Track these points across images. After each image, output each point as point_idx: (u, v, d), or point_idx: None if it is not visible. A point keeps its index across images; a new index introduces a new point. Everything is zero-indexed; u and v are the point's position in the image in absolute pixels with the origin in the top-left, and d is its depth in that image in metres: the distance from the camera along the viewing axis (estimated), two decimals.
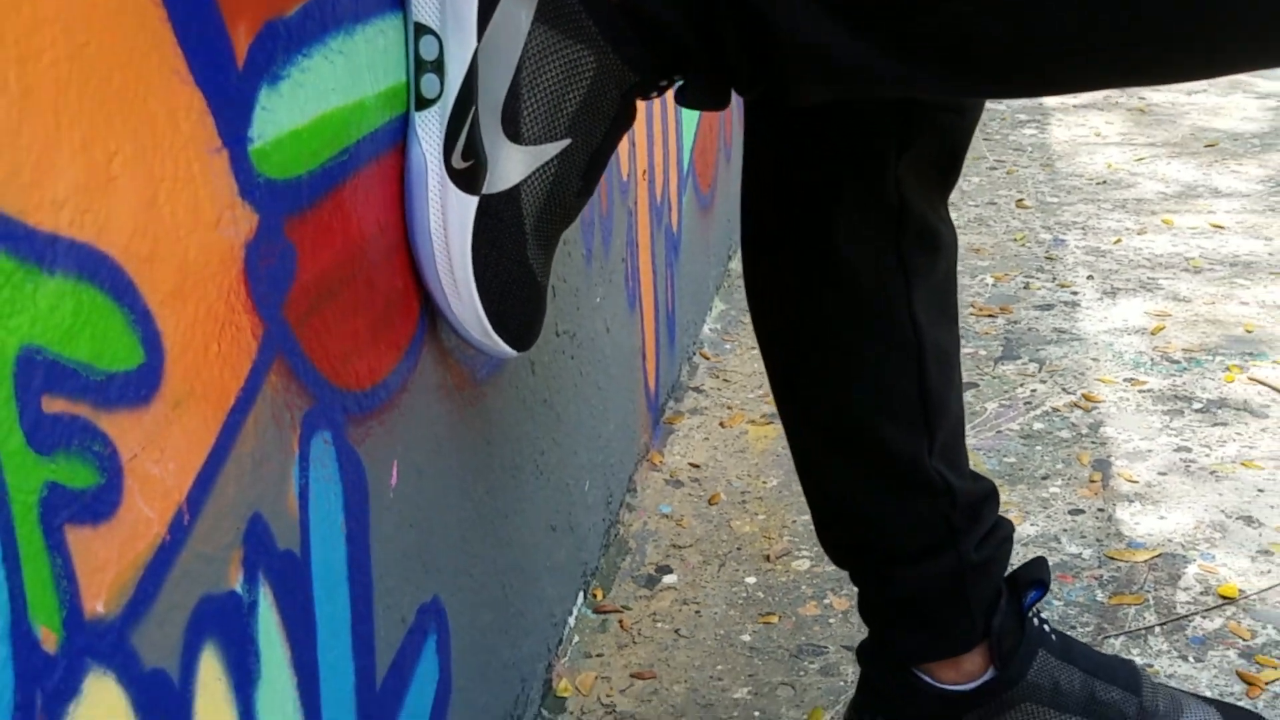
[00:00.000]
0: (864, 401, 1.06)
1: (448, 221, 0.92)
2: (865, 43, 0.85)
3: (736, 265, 2.55)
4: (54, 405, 0.55)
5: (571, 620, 1.41)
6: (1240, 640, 1.35)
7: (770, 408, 1.94)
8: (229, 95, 0.69)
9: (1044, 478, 1.70)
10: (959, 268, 2.40)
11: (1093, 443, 1.79)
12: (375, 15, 0.86)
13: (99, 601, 0.58)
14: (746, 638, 1.41)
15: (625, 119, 0.95)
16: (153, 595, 0.63)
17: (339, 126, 0.81)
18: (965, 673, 1.12)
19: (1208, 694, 1.27)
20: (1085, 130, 3.40)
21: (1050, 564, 1.49)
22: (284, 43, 0.75)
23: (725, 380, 2.05)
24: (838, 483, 1.10)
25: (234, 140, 0.70)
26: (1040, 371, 2.02)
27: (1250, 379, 1.97)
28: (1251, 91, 3.72)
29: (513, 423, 1.19)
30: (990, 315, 2.25)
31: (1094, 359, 2.06)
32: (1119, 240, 2.59)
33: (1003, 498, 1.64)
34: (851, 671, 1.31)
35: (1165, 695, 1.15)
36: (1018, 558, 1.51)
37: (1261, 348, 2.08)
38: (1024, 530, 1.58)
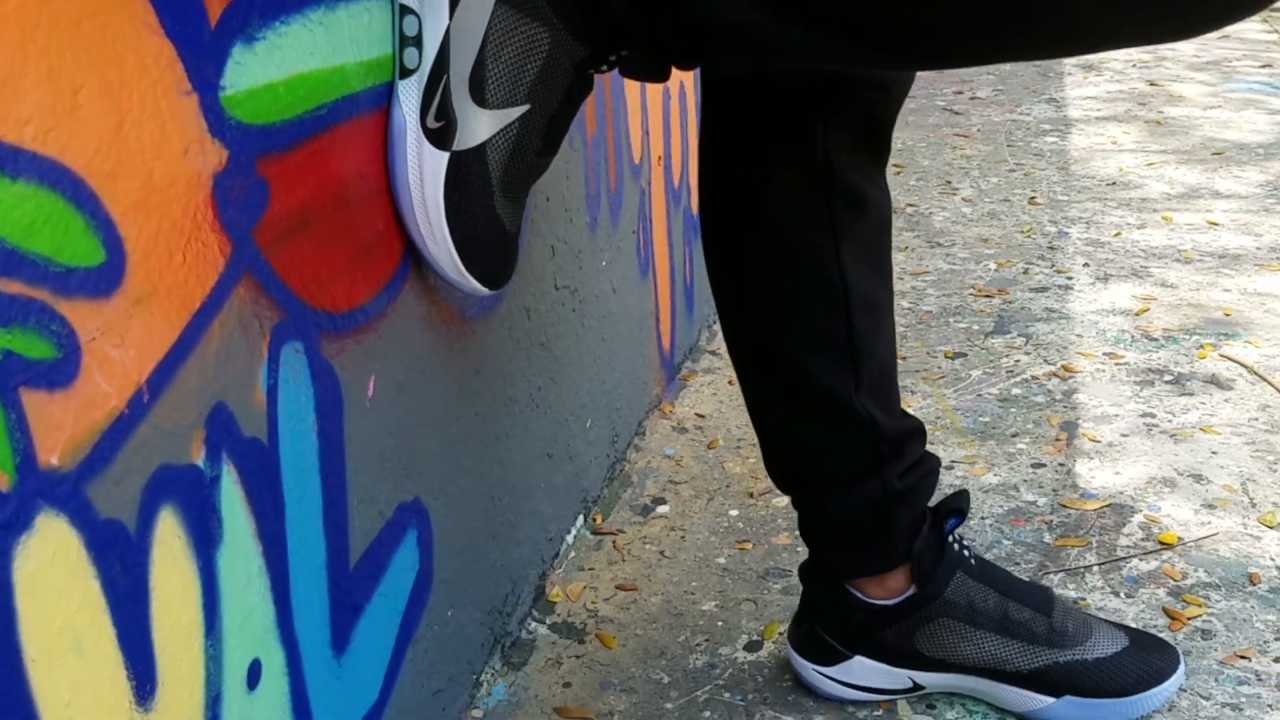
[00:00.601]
0: (797, 342, 1.07)
1: (423, 174, 0.95)
2: (777, 19, 0.86)
3: None
4: (11, 286, 0.59)
5: (570, 538, 1.44)
6: (1171, 580, 1.34)
7: None
8: (200, 48, 0.73)
9: (1013, 435, 1.69)
10: (964, 253, 2.36)
11: (1065, 407, 1.77)
12: None
13: (53, 455, 0.63)
14: (722, 560, 1.42)
15: (580, 89, 0.97)
16: (109, 457, 0.67)
17: (316, 85, 0.85)
18: (890, 589, 1.13)
19: (1132, 626, 1.26)
20: (1103, 139, 3.33)
21: (1006, 509, 1.50)
22: (260, 9, 0.79)
23: None
24: (778, 415, 1.11)
25: (204, 86, 0.74)
26: (1026, 345, 2.00)
27: (1222, 355, 1.93)
28: (1263, 108, 3.61)
29: (506, 359, 1.22)
30: (988, 295, 2.23)
31: (1078, 335, 2.03)
32: (1119, 233, 2.54)
33: (972, 452, 1.65)
34: None
35: (1076, 618, 1.14)
36: (980, 504, 1.52)
37: (1237, 329, 2.03)
38: (987, 479, 1.57)
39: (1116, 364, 1.90)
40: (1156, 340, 1.99)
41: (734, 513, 1.53)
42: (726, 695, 1.19)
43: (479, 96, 0.94)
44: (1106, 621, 1.17)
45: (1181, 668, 1.13)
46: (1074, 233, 2.56)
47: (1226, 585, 1.32)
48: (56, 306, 0.63)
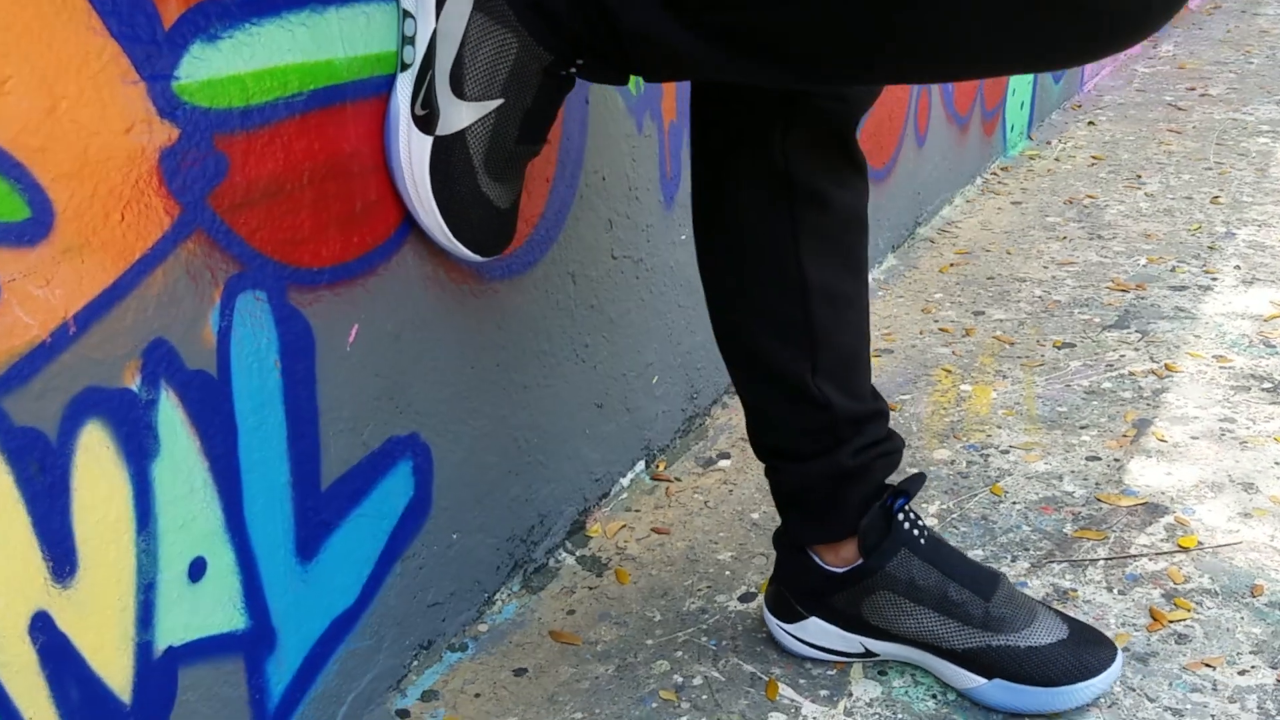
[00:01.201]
0: (758, 327, 1.02)
1: (412, 154, 0.97)
2: (689, 32, 0.82)
3: (925, 230, 2.42)
4: None
5: (625, 481, 1.44)
6: (1171, 583, 1.19)
7: (879, 344, 1.85)
8: (150, 46, 0.77)
9: (1083, 427, 1.54)
10: (1120, 247, 2.13)
11: (1147, 405, 1.59)
12: (358, 2, 0.92)
13: None
14: (755, 516, 1.38)
15: (556, 87, 0.95)
16: (27, 376, 0.73)
17: (293, 76, 0.88)
18: (842, 558, 1.07)
19: (1111, 623, 1.13)
20: None
21: (1040, 497, 1.37)
22: (224, 14, 0.82)
23: None
24: (747, 390, 1.06)
25: (154, 77, 0.78)
26: (1139, 341, 1.80)
27: None
28: None
29: (540, 317, 1.22)
30: (1123, 290, 2.02)
31: (1196, 335, 1.81)
32: None
33: (1033, 439, 1.51)
34: None
35: (1019, 605, 1.04)
36: (1017, 489, 1.40)
37: None
38: (1035, 467, 1.44)
39: (1221, 367, 1.69)
40: (1274, 347, 1.75)
41: None
42: (704, 639, 1.16)
43: (458, 90, 0.94)
44: (1056, 612, 1.05)
45: (1115, 667, 1.00)
46: (1241, 235, 2.27)
47: (1225, 594, 1.16)
48: None
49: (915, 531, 1.05)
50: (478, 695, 1.10)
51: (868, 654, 1.09)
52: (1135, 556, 1.24)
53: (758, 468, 1.49)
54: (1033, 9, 0.71)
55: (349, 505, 1.01)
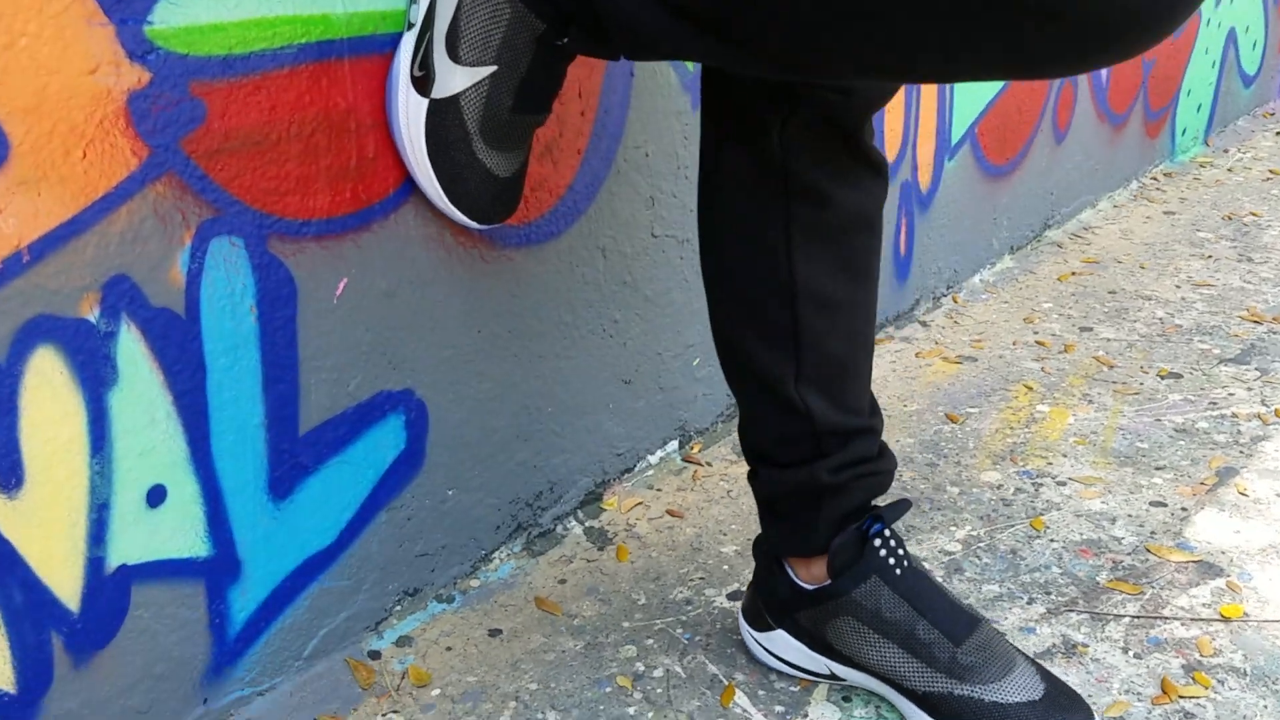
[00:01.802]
0: (744, 323, 0.95)
1: (409, 115, 0.95)
2: (659, 13, 0.76)
3: (1055, 234, 2.24)
4: None
5: (653, 459, 1.40)
6: (1197, 655, 1.06)
7: (966, 349, 1.73)
8: None
9: (1159, 468, 1.39)
10: (1269, 273, 1.94)
11: (1240, 453, 1.42)
12: None
13: None
14: None
15: (551, 59, 0.91)
16: None
17: (283, 28, 0.87)
18: (813, 575, 1.00)
19: (1114, 687, 1.02)
20: None
21: (1082, 538, 1.25)
22: None
23: (955, 322, 1.84)
24: (735, 389, 1.00)
25: (123, 21, 0.78)
26: (1255, 380, 1.62)
27: None
28: None
29: (563, 289, 1.19)
30: (1256, 321, 1.81)
31: None
32: None
33: (1097, 474, 1.38)
34: None
35: (995, 656, 0.94)
36: (1062, 526, 1.27)
37: None
38: (1090, 505, 1.31)
39: None
40: None
41: None
42: (679, 630, 1.11)
43: (454, 53, 0.91)
44: (1039, 670, 0.95)
45: None
46: None
47: (1254, 675, 1.02)
48: None
49: (892, 560, 0.97)
50: (449, 649, 1.09)
51: (833, 677, 1.02)
52: (1167, 619, 1.11)
53: None
54: (999, 8, 0.62)
55: (329, 452, 1.01)
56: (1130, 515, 1.29)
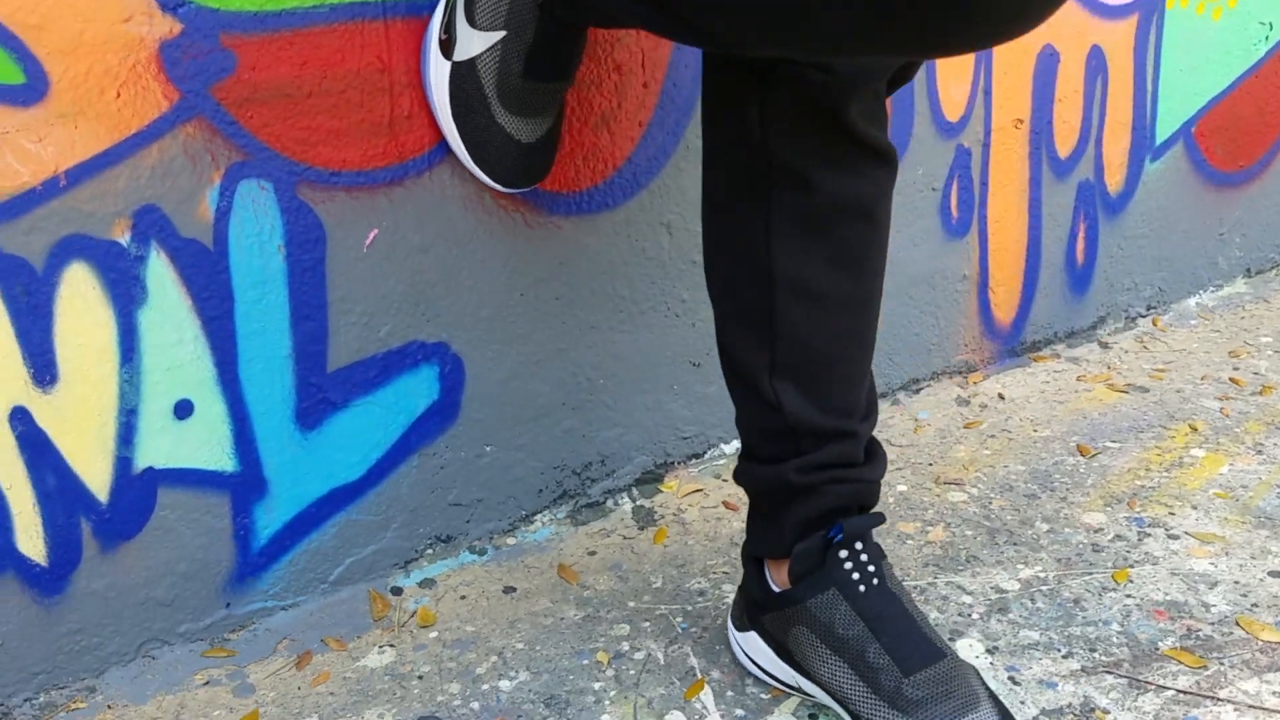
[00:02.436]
0: (727, 308, 0.90)
1: (437, 77, 0.98)
2: None
3: None
4: None
5: (728, 449, 1.36)
6: None
7: (1141, 379, 1.55)
8: None
9: None
10: None
11: None
12: None
13: None
14: None
15: (555, 27, 0.92)
16: (16, 214, 0.85)
17: None
18: (781, 579, 0.93)
19: None
20: None
21: (1168, 598, 1.10)
22: None
23: (1144, 346, 1.64)
24: (725, 378, 0.95)
25: None
26: None
27: None
28: None
29: (619, 262, 1.18)
30: None
31: None
32: None
33: (1222, 532, 1.22)
34: None
35: (950, 695, 0.83)
36: (1148, 580, 1.12)
37: None
38: (1193, 564, 1.13)
39: None
40: None
41: (903, 488, 1.31)
42: (678, 619, 1.08)
43: (471, 18, 0.94)
44: (999, 707, 0.84)
45: None
46: None
47: None
48: None
49: (857, 575, 0.89)
50: (463, 598, 1.12)
51: (801, 690, 0.95)
52: (1220, 699, 0.95)
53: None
54: None
55: (358, 391, 1.06)
56: (1237, 582, 1.11)
